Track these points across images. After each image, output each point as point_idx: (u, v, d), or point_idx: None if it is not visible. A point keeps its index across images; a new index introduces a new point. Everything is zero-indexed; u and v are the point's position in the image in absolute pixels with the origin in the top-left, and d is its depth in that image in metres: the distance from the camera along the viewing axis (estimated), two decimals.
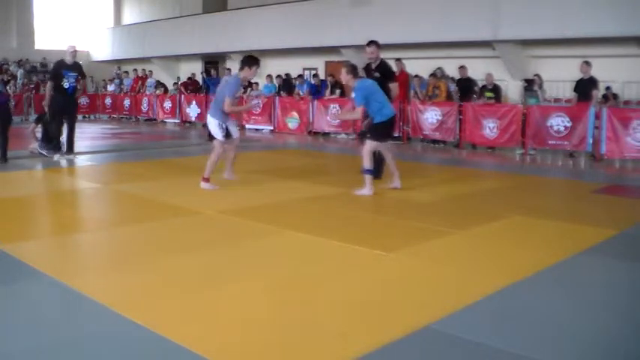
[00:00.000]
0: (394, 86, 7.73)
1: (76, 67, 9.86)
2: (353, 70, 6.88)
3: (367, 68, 7.93)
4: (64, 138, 9.83)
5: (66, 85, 9.61)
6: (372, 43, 7.77)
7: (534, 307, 3.46)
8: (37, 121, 10.20)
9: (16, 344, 2.87)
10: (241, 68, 7.08)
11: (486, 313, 3.34)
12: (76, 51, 9.97)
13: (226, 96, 7.01)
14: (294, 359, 2.78)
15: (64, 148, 9.76)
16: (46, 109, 9.73)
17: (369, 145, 6.76)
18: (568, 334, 3.09)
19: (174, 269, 4.03)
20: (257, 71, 7.26)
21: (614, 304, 3.60)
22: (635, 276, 4.20)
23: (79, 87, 10.05)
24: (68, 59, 9.78)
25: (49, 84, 9.96)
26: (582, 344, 3.00)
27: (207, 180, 7.06)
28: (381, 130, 6.81)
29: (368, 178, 6.76)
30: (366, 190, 6.74)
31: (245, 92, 17.88)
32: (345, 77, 6.91)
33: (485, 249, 4.72)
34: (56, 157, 9.55)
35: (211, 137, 7.30)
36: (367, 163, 6.74)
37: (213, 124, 7.18)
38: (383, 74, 7.63)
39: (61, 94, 9.61)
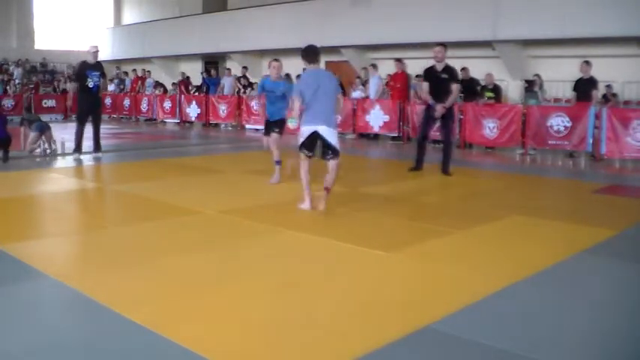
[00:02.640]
0: (456, 87, 8.40)
1: (98, 66, 10.07)
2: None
3: (431, 69, 8.50)
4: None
5: (90, 84, 9.83)
6: (439, 44, 8.54)
7: (534, 307, 3.46)
8: (23, 123, 10.25)
9: (16, 344, 2.87)
10: (315, 61, 5.92)
11: (486, 313, 3.33)
12: (98, 51, 10.18)
13: (339, 93, 6.06)
14: (295, 359, 2.78)
15: (91, 147, 10.02)
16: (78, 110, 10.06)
17: (279, 140, 7.49)
18: (568, 334, 3.09)
19: (175, 269, 4.03)
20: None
21: (615, 304, 3.59)
22: (636, 276, 4.20)
23: (101, 86, 10.29)
24: (90, 59, 9.98)
25: (73, 85, 10.20)
26: (582, 344, 3.00)
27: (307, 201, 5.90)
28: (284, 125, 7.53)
29: (278, 168, 7.42)
30: (275, 179, 7.37)
31: (245, 92, 17.90)
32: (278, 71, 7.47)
33: (485, 249, 4.72)
34: (75, 156, 9.69)
35: (325, 154, 5.85)
36: (278, 155, 7.41)
37: (334, 136, 5.80)
38: (450, 75, 8.36)
39: (87, 94, 9.85)
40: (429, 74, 8.57)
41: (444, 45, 8.54)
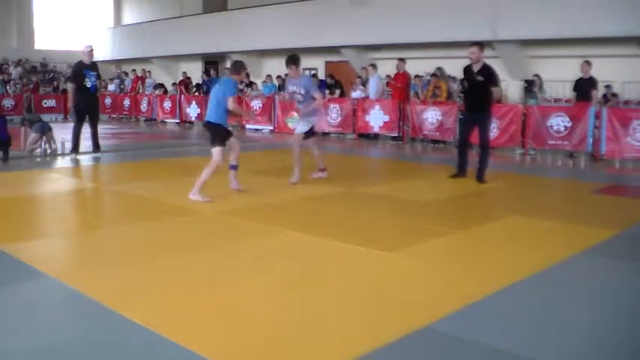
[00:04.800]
0: (497, 90, 7.84)
1: (94, 66, 10.11)
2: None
3: (467, 69, 7.80)
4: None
5: (88, 84, 9.88)
6: (475, 44, 7.73)
7: (534, 307, 3.46)
8: (24, 123, 10.26)
9: (16, 344, 2.87)
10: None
11: (486, 313, 3.34)
12: (92, 51, 10.20)
13: None
14: (295, 359, 2.78)
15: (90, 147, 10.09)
16: (72, 109, 10.06)
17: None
18: (568, 334, 3.09)
19: (174, 269, 4.04)
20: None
21: (614, 304, 3.59)
22: (636, 276, 4.20)
23: (98, 86, 10.31)
24: (86, 59, 10.01)
25: (70, 85, 10.24)
26: (582, 344, 3.01)
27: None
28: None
29: (234, 173, 6.92)
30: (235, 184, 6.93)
31: (245, 92, 17.90)
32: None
33: (485, 249, 4.73)
34: (72, 156, 9.68)
35: (315, 134, 7.95)
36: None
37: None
38: (487, 78, 7.62)
39: (85, 94, 9.89)
40: (465, 75, 7.88)
41: (480, 44, 7.74)
